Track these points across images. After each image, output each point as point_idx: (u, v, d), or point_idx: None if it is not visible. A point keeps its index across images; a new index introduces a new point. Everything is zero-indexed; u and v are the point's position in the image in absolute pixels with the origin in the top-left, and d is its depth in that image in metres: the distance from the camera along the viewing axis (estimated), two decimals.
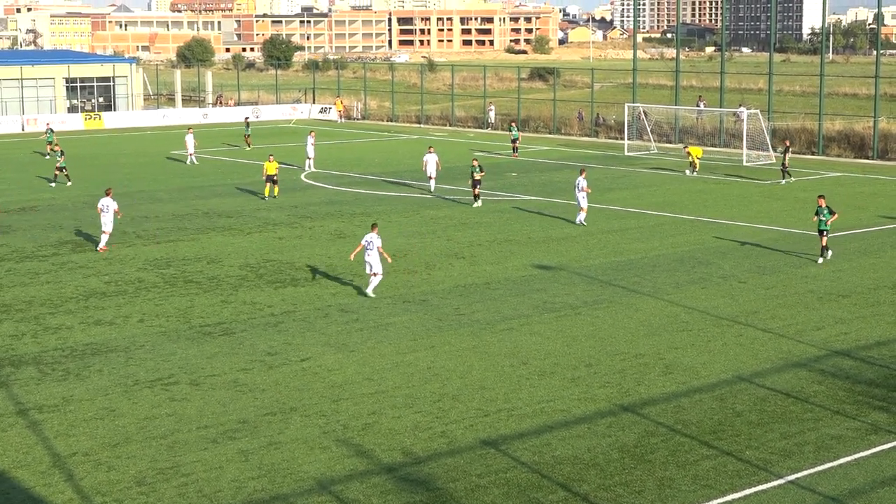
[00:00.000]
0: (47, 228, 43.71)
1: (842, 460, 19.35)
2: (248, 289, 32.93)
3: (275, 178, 50.92)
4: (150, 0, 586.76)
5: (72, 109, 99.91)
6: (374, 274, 31.57)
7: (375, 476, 18.82)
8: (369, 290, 31.68)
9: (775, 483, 18.42)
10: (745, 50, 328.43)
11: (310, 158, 62.50)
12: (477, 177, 47.66)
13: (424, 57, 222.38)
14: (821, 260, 36.10)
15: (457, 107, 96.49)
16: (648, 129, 73.69)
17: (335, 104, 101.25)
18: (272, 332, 28.03)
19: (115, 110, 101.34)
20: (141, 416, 21.77)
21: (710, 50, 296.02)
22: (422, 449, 20.00)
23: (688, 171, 59.72)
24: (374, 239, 31.23)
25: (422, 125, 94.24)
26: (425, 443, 20.29)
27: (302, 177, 59.42)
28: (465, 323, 28.83)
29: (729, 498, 17.85)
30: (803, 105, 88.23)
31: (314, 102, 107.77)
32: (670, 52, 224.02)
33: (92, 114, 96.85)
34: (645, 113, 75.53)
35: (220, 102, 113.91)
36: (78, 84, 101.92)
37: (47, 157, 60.46)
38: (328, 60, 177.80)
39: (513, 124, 73.54)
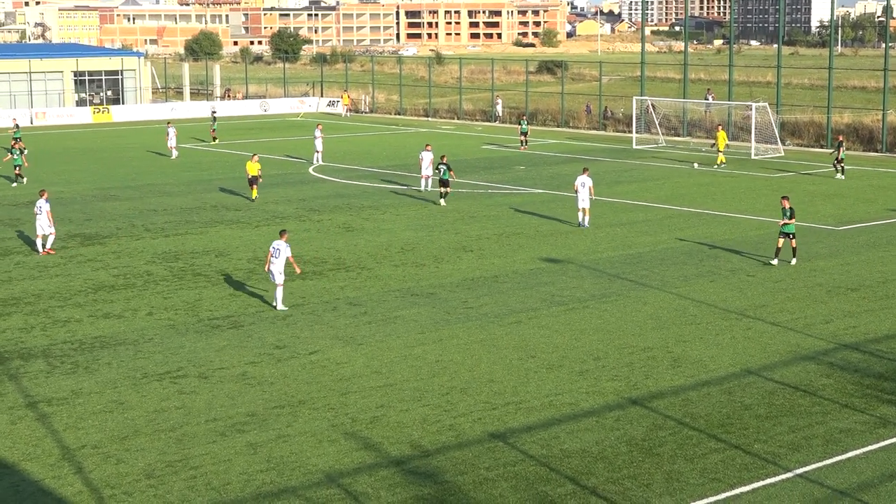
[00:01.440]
0: (56, 222, 43.63)
1: (850, 454, 19.33)
2: (256, 282, 32.97)
3: (257, 179, 48.84)
4: None
5: (80, 103, 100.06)
6: (277, 285, 29.41)
7: (384, 469, 18.85)
8: (279, 304, 29.56)
9: (784, 476, 18.41)
10: (754, 43, 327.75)
11: (318, 152, 62.41)
12: (444, 174, 46.43)
13: (432, 50, 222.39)
14: (775, 261, 34.59)
15: (465, 100, 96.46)
16: (657, 122, 73.62)
17: (342, 98, 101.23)
18: (280, 326, 28.06)
19: (123, 104, 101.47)
20: (150, 409, 21.82)
21: (718, 43, 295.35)
22: (430, 442, 20.01)
23: (694, 166, 59.63)
24: (282, 247, 29.25)
25: (429, 118, 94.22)
26: (433, 436, 20.31)
27: (310, 170, 59.46)
28: (474, 316, 28.84)
29: (737, 491, 17.84)
30: (812, 98, 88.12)
31: (322, 96, 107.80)
32: (678, 45, 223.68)
33: (100, 107, 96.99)
34: (653, 106, 75.43)
35: (228, 96, 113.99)
36: (86, 77, 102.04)
37: (12, 155, 55.45)
38: (336, 54, 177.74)
39: (522, 118, 73.21)
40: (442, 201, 46.66)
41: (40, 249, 37.36)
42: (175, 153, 66.29)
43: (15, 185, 54.79)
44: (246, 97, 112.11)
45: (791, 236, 34.80)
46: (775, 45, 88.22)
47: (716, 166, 59.36)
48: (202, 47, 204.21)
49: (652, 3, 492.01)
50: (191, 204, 47.89)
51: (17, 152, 55.49)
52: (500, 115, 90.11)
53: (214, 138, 75.24)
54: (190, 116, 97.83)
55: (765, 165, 60.42)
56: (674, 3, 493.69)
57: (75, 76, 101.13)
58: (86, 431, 20.66)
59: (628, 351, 25.63)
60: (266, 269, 30.25)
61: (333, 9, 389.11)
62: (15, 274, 34.37)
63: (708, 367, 24.33)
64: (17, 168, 55.12)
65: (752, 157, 63.37)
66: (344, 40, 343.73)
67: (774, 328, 27.52)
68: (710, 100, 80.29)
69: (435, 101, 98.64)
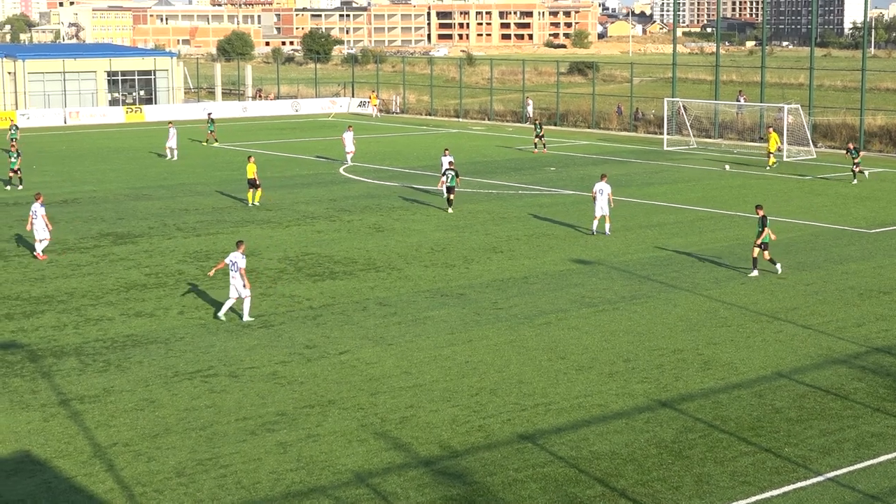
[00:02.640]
0: (88, 220, 44.07)
1: (882, 458, 19.22)
2: (286, 282, 33.08)
3: (255, 181, 47.37)
4: None
5: (113, 102, 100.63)
6: (243, 297, 28.35)
7: (413, 469, 18.88)
8: (245, 316, 28.51)
9: (814, 480, 18.32)
10: (786, 44, 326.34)
11: (349, 153, 62.14)
12: (451, 181, 45.07)
13: (463, 51, 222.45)
14: (779, 268, 33.64)
15: (495, 101, 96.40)
16: (688, 124, 73.36)
17: (370, 99, 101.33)
18: (311, 325, 28.14)
19: (155, 103, 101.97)
20: (180, 408, 21.93)
21: (750, 44, 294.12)
22: (459, 443, 20.03)
23: (725, 167, 59.43)
24: (238, 259, 28.09)
25: (460, 119, 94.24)
26: (462, 436, 20.33)
27: (340, 170, 59.59)
28: (503, 317, 28.84)
29: (767, 495, 17.77)
30: (844, 100, 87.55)
31: (353, 96, 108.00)
32: (710, 47, 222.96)
33: (133, 107, 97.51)
34: (684, 107, 75.19)
35: (260, 96, 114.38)
36: (119, 77, 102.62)
37: (12, 157, 53.90)
38: (367, 54, 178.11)
39: (537, 121, 72.02)
40: (450, 209, 45.18)
41: (39, 254, 36.80)
42: (170, 154, 65.43)
43: (9, 188, 53.31)
44: (277, 97, 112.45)
45: (763, 245, 33.35)
46: (808, 47, 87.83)
47: (767, 168, 59.21)
48: (234, 47, 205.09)
49: (684, 4, 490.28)
50: (222, 203, 48.08)
51: (15, 154, 53.86)
52: (531, 115, 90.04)
53: (208, 140, 74.00)
54: (222, 116, 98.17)
55: (796, 168, 60.12)
56: (706, 4, 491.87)
57: (108, 76, 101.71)
58: (117, 429, 20.80)
59: (658, 353, 25.57)
60: (210, 274, 30.33)
61: (365, 9, 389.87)
62: (48, 272, 34.62)
63: (738, 370, 24.24)
64: (16, 171, 53.59)
65: (784, 159, 63.06)
66: (375, 41, 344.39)
67: (806, 331, 27.39)
68: (742, 101, 79.95)
69: (466, 101, 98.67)
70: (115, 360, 25.26)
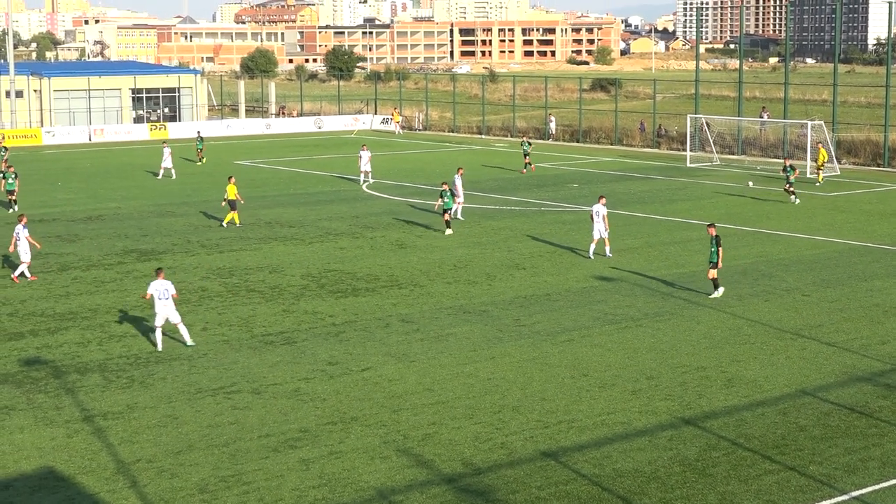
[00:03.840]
0: (113, 237, 44.26)
1: None
2: (309, 298, 33.14)
3: (234, 202, 46.61)
4: (215, 12, 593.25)
5: (137, 120, 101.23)
6: (177, 324, 27.70)
7: (435, 486, 18.85)
8: (187, 340, 27.77)
9: (839, 499, 18.20)
10: (810, 61, 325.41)
11: (364, 172, 60.38)
12: (448, 202, 44.04)
13: (486, 68, 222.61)
14: (718, 292, 32.60)
15: (518, 117, 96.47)
16: (711, 141, 73.20)
17: (392, 116, 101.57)
18: (333, 342, 28.17)
19: (179, 120, 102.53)
20: (203, 424, 21.98)
21: (773, 60, 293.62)
22: (482, 460, 20.00)
23: (748, 184, 59.23)
24: (168, 287, 27.28)
25: (483, 136, 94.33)
26: (485, 454, 20.30)
27: (363, 187, 59.69)
28: (526, 334, 28.81)
29: None
30: (868, 116, 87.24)
31: (376, 113, 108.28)
32: (733, 63, 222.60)
33: (157, 124, 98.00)
34: (707, 124, 75.05)
35: (283, 113, 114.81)
36: (144, 94, 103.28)
37: (5, 180, 52.11)
38: (390, 71, 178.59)
39: (525, 138, 70.83)
40: (448, 230, 43.96)
41: (28, 275, 36.00)
42: (163, 174, 64.52)
43: (11, 211, 50.86)
44: (300, 114, 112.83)
45: (715, 265, 32.62)
46: (831, 63, 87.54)
47: (818, 184, 59.09)
48: (258, 65, 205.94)
49: (706, 20, 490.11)
50: (245, 220, 48.21)
51: (12, 176, 51.87)
52: (554, 132, 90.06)
53: (201, 159, 73.13)
54: (245, 133, 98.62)
55: (821, 184, 59.87)
56: (729, 20, 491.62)
57: (133, 93, 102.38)
58: (140, 445, 20.85)
59: (682, 370, 25.49)
60: (146, 297, 27.90)
61: (388, 27, 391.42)
62: (72, 289, 34.78)
63: (762, 388, 24.13)
64: (11, 193, 51.55)
65: (808, 175, 62.84)
66: (398, 58, 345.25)
67: (830, 348, 27.25)
68: (765, 118, 79.75)
69: (488, 118, 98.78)
70: (138, 376, 25.34)
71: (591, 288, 34.17)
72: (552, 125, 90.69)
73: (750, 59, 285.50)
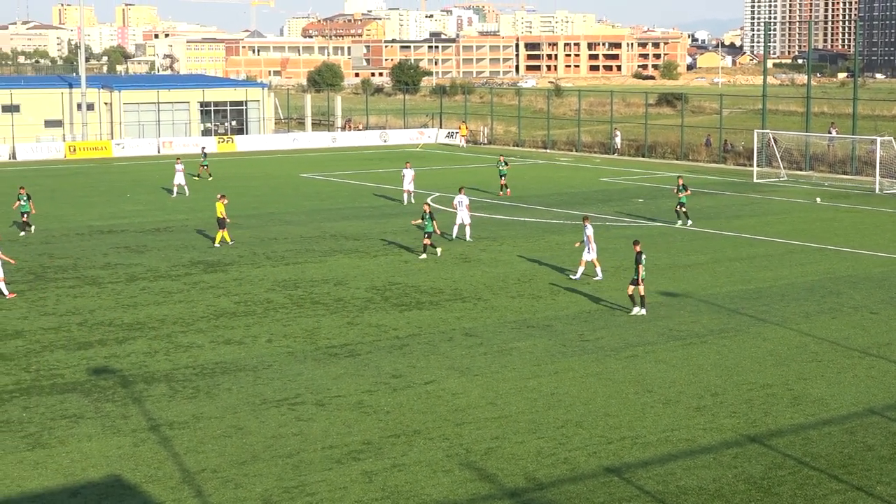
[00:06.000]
0: (180, 249, 44.74)
1: None
2: (373, 311, 33.27)
3: (223, 221, 45.30)
4: (283, 26, 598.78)
5: (205, 132, 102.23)
6: None
7: (498, 501, 18.84)
8: None
9: None
10: (879, 76, 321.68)
11: (407, 192, 58.16)
12: (428, 225, 41.99)
13: (551, 82, 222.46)
14: (636, 310, 32.31)
15: (583, 132, 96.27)
16: (778, 156, 72.57)
17: (460, 129, 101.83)
18: (397, 355, 28.27)
19: (246, 133, 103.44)
20: (268, 435, 22.14)
21: (842, 76, 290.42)
22: (545, 475, 19.96)
23: (816, 200, 58.58)
24: None
25: (548, 150, 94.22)
26: (548, 469, 20.26)
27: (428, 200, 59.76)
28: (590, 349, 28.72)
29: None
30: None
31: (441, 127, 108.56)
32: (801, 78, 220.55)
33: (225, 137, 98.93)
34: (775, 139, 74.41)
35: (349, 126, 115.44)
36: (212, 108, 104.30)
37: (20, 202, 49.59)
38: (455, 85, 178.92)
39: (501, 158, 64.07)
40: (423, 255, 42.20)
41: (5, 293, 35.39)
42: (177, 191, 63.03)
43: (23, 234, 48.75)
44: (366, 128, 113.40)
45: (636, 282, 32.22)
46: None
47: None
48: (324, 78, 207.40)
49: (774, 35, 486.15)
50: (311, 233, 48.54)
51: (24, 198, 49.53)
52: (619, 147, 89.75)
53: (200, 175, 71.76)
54: (311, 147, 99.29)
55: (889, 201, 59.15)
56: (797, 35, 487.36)
57: (201, 106, 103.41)
58: (206, 455, 21.04)
59: (747, 387, 25.27)
60: None
61: (454, 41, 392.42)
62: (140, 299, 35.20)
63: (829, 406, 23.87)
64: (25, 215, 49.39)
65: (876, 192, 62.11)
66: (464, 72, 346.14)
67: None
68: (834, 133, 78.93)
69: (553, 132, 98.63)
70: (204, 386, 25.59)
71: (656, 303, 33.99)
72: (618, 140, 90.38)
73: (818, 75, 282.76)
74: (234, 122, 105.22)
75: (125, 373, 26.78)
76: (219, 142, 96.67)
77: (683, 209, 50.17)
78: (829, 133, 79.20)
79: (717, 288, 36.37)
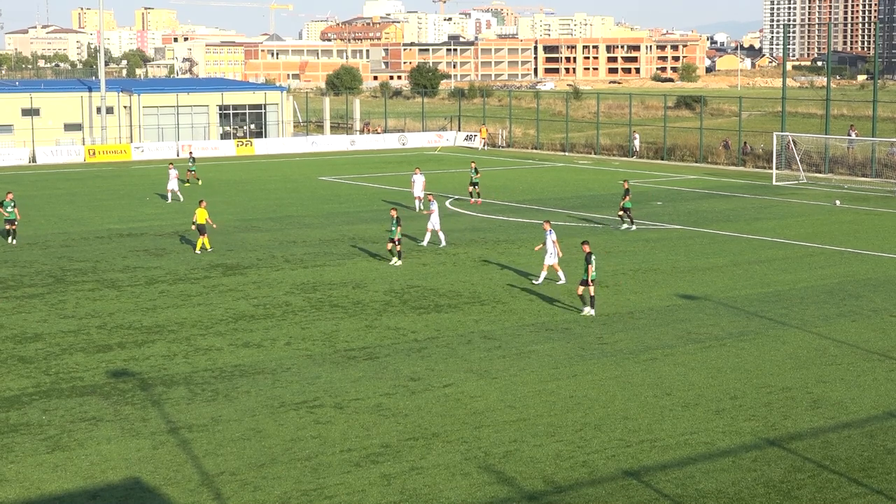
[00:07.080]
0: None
1: None
2: (392, 314, 33.29)
3: (203, 227, 44.55)
4: (301, 29, 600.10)
5: (224, 136, 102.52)
6: None
7: None
8: None
9: None
10: None
11: (418, 198, 56.93)
12: (393, 231, 41.25)
13: (570, 85, 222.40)
14: (586, 310, 32.58)
15: (602, 135, 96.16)
16: (797, 159, 72.37)
17: (479, 132, 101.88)
18: (415, 358, 28.28)
19: (265, 137, 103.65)
20: (286, 438, 22.17)
21: (861, 78, 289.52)
22: (563, 478, 19.94)
23: (836, 203, 58.36)
24: None
25: (566, 153, 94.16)
26: (567, 472, 20.23)
27: (447, 203, 59.81)
28: (608, 352, 28.69)
29: None
30: None
31: (459, 130, 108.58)
32: (820, 80, 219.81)
33: (244, 140, 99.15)
34: (794, 142, 74.21)
35: (367, 129, 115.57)
36: (231, 111, 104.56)
37: (7, 207, 47.37)
38: (474, 88, 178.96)
39: (473, 165, 60.86)
40: (395, 261, 41.51)
41: None
42: (171, 197, 61.97)
43: (13, 241, 46.80)
44: (385, 131, 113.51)
45: (586, 283, 32.41)
46: None
47: None
48: (343, 82, 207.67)
49: (793, 37, 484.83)
50: (329, 236, 48.61)
51: (11, 204, 47.24)
52: (638, 149, 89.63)
53: (188, 181, 70.67)
54: (329, 150, 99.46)
55: None
56: (816, 37, 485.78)
57: (220, 110, 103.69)
58: (224, 458, 21.09)
59: (766, 391, 25.20)
60: None
61: (472, 44, 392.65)
62: (159, 302, 35.30)
63: (849, 409, 23.78)
64: (10, 223, 46.93)
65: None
66: (482, 75, 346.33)
67: None
68: (853, 136, 78.67)
69: (572, 135, 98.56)
70: (223, 389, 25.65)
71: (675, 306, 33.92)
72: (636, 142, 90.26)
73: (837, 77, 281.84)
74: (252, 126, 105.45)
75: (144, 375, 26.86)
76: (237, 145, 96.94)
77: (628, 214, 49.45)
78: (849, 135, 78.94)
79: (736, 291, 36.28)
